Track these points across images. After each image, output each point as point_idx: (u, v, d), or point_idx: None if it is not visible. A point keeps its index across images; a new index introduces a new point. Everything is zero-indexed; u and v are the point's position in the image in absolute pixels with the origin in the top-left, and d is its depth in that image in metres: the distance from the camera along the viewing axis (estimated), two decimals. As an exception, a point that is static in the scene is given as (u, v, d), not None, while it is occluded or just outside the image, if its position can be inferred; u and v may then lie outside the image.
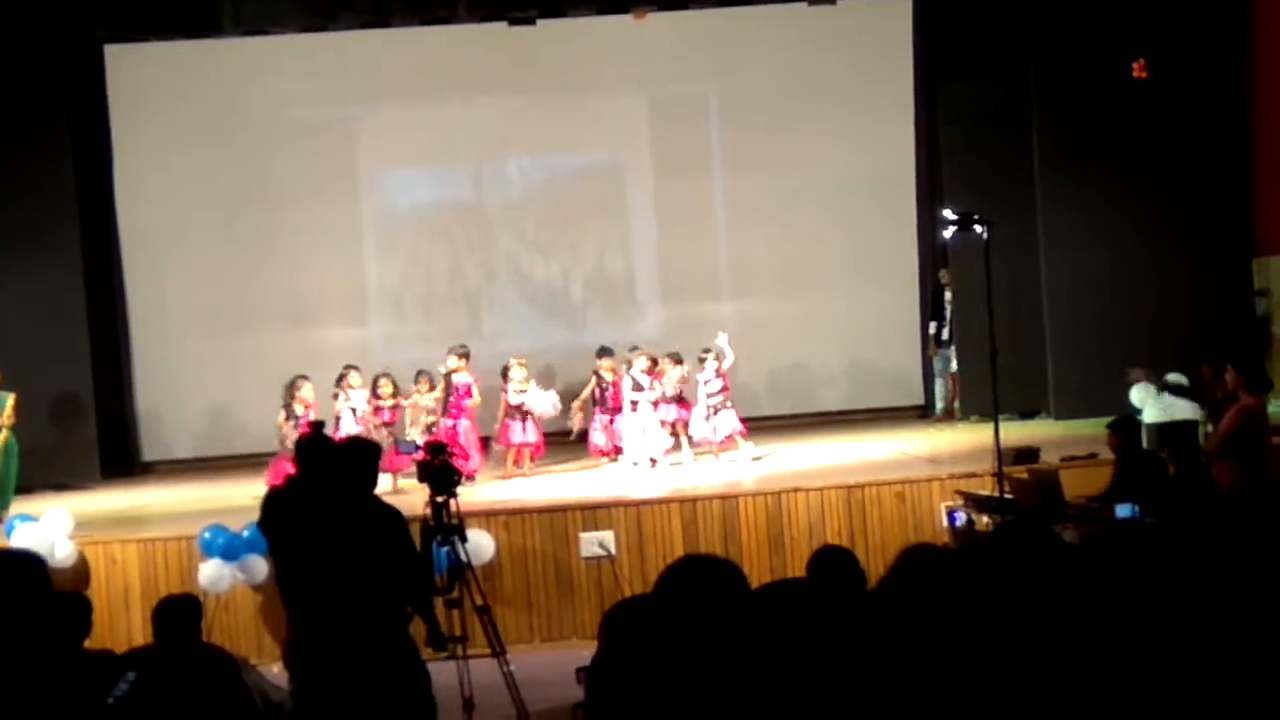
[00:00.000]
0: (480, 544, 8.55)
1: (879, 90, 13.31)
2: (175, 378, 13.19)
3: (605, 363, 11.37)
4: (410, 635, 5.26)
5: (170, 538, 8.97)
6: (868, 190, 13.38)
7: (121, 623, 8.53)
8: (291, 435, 9.93)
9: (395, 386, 10.91)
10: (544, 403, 10.98)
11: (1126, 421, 8.56)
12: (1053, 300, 12.16)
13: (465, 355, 10.95)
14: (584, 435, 11.45)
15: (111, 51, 12.98)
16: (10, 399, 10.53)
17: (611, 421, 11.21)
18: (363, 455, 5.30)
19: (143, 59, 13.00)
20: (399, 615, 5.17)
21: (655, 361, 10.99)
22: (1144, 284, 11.89)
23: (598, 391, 11.34)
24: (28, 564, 4.06)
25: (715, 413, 10.82)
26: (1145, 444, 8.61)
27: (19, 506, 10.02)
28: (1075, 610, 2.71)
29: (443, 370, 10.89)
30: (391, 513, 5.22)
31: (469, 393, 10.86)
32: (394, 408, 10.84)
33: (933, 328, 13.08)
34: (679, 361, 11.07)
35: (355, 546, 5.06)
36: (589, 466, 11.23)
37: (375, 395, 10.80)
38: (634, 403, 10.86)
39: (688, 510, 9.06)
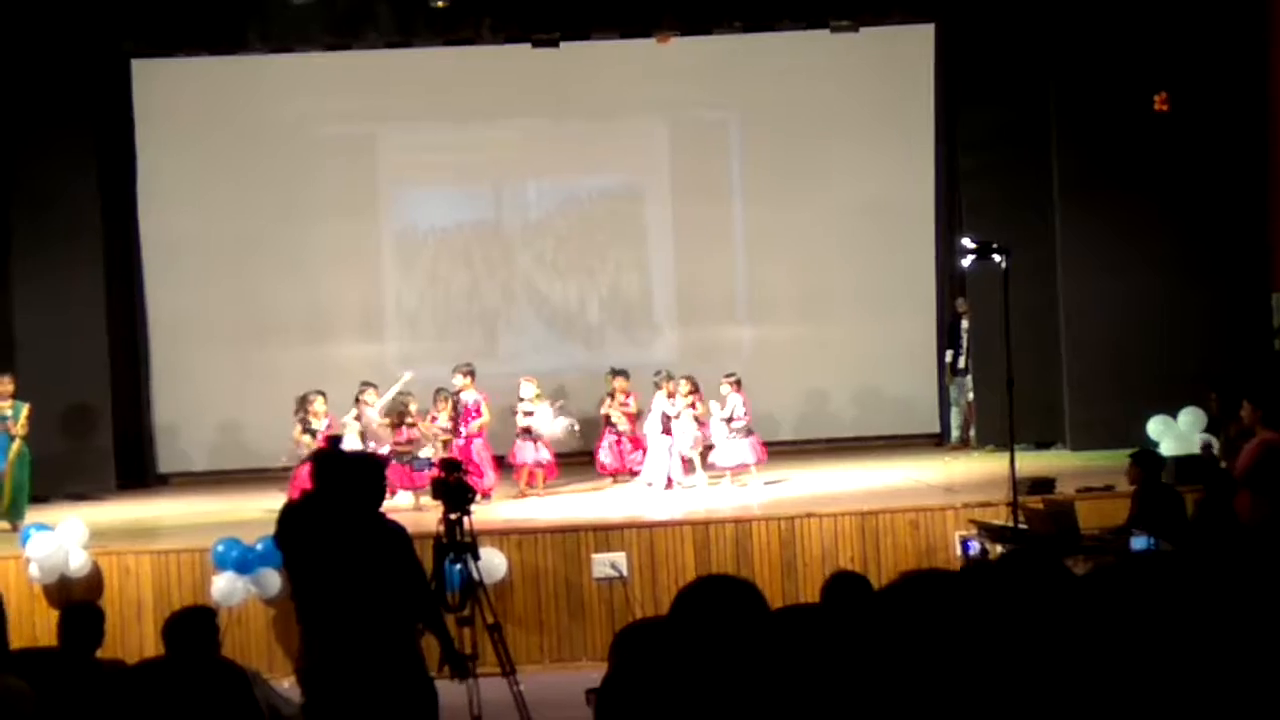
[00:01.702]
0: (493, 562, 8.55)
1: (899, 118, 13.33)
2: (192, 390, 13.25)
3: (619, 383, 11.39)
4: (420, 653, 5.26)
5: (184, 550, 9.00)
6: (886, 217, 13.39)
7: (134, 633, 8.56)
8: (306, 450, 9.98)
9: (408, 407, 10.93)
10: (553, 426, 10.99)
11: (1148, 454, 8.52)
12: (1070, 331, 12.13)
13: (471, 373, 10.99)
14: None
15: (139, 66, 13.09)
16: (25, 409, 10.60)
17: (619, 442, 11.25)
18: (368, 471, 5.30)
19: (169, 74, 13.11)
20: (408, 632, 5.17)
21: (696, 387, 11.01)
22: (1162, 316, 11.85)
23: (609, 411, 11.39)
24: None
25: (733, 437, 10.81)
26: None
27: (35, 516, 10.07)
28: (1078, 639, 2.70)
29: (451, 389, 10.94)
30: (396, 530, 5.22)
31: (477, 411, 10.88)
32: (411, 425, 10.86)
33: (949, 356, 13.05)
34: (695, 387, 11.10)
35: (363, 562, 5.07)
36: (601, 487, 11.23)
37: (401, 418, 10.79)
38: (662, 422, 10.88)
39: (700, 533, 9.04)
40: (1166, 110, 11.78)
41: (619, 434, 11.28)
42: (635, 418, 11.33)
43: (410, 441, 10.69)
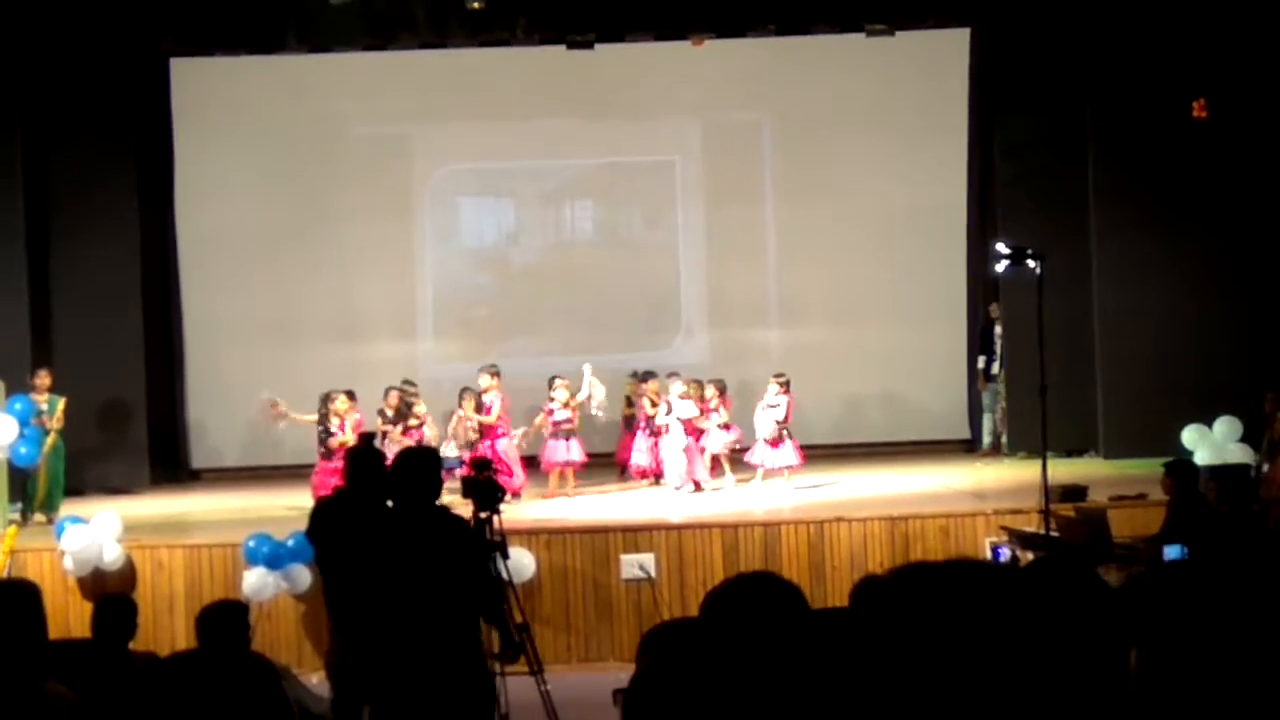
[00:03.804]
0: (521, 562, 8.57)
1: (933, 122, 13.28)
2: (225, 387, 13.34)
3: (650, 386, 11.40)
4: (481, 646, 5.32)
5: (216, 545, 9.07)
6: (919, 222, 13.34)
7: (166, 626, 8.63)
8: (335, 445, 10.13)
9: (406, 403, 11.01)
10: (598, 394, 11.04)
11: (1183, 464, 8.43)
12: (1105, 338, 12.04)
13: (496, 374, 11.03)
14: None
15: (177, 65, 13.21)
16: (61, 403, 10.72)
17: (656, 444, 11.24)
18: (424, 464, 5.35)
19: (208, 73, 13.22)
20: (469, 626, 5.21)
21: (702, 387, 11.01)
22: (1198, 324, 11.75)
23: (641, 414, 11.38)
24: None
25: (777, 442, 10.79)
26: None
27: (69, 509, 10.18)
28: (1110, 647, 2.68)
29: (476, 389, 11.00)
30: (457, 522, 5.27)
31: (489, 411, 10.86)
32: (419, 426, 10.92)
33: (982, 362, 12.98)
34: (723, 389, 11.10)
35: (419, 557, 5.11)
36: (630, 488, 11.24)
37: (405, 415, 10.89)
38: (666, 427, 10.88)
39: (729, 536, 9.04)
40: (1205, 117, 11.67)
41: (655, 436, 11.24)
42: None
43: (419, 441, 10.74)
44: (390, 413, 10.98)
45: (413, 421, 10.89)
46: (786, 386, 10.95)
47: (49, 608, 4.34)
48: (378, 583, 5.19)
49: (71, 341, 12.31)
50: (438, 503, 5.25)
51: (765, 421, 10.84)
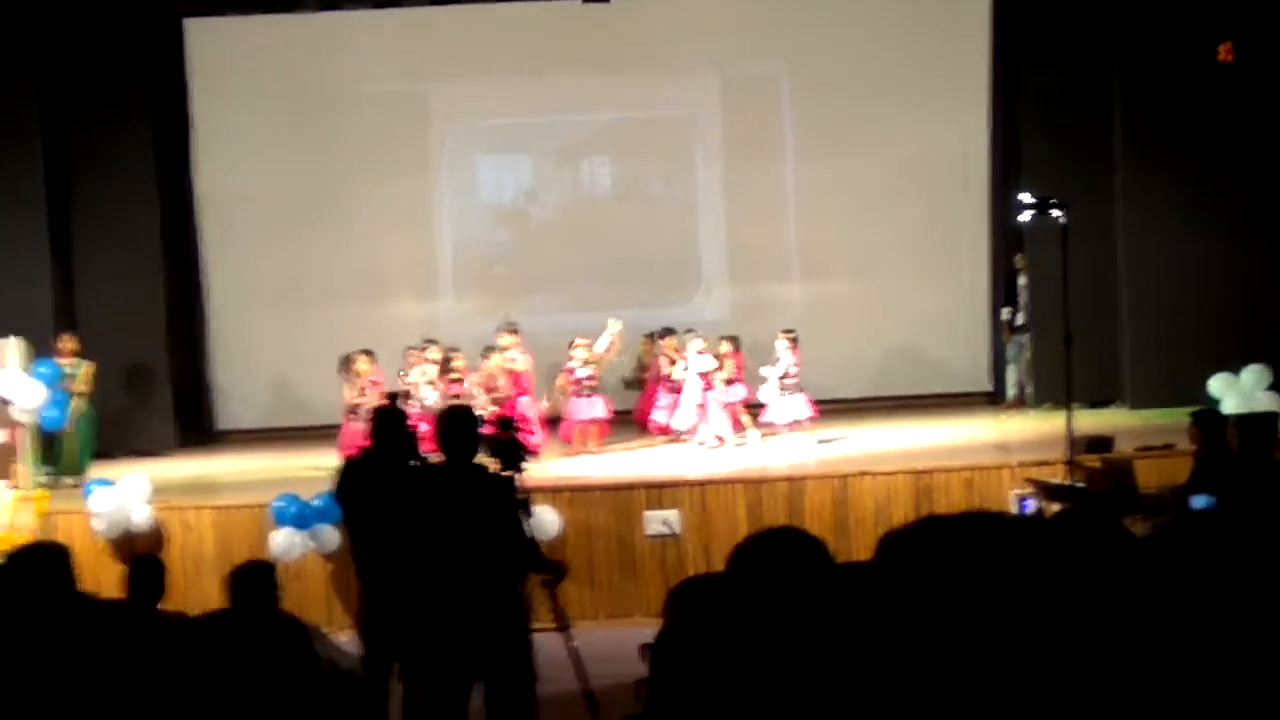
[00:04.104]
0: (546, 519, 8.61)
1: (954, 72, 13.13)
2: (249, 348, 13.41)
3: (668, 342, 11.40)
4: (523, 604, 5.40)
5: (243, 505, 9.15)
6: (940, 174, 13.22)
7: (195, 587, 8.71)
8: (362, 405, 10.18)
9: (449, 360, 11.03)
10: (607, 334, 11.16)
11: (1210, 414, 8.38)
12: (1131, 288, 11.94)
13: (515, 331, 11.04)
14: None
15: (191, 25, 13.17)
16: (88, 367, 10.79)
17: (677, 402, 11.25)
18: (465, 422, 5.41)
19: (222, 33, 13.18)
20: (510, 584, 5.28)
21: (738, 346, 11.02)
22: (1226, 273, 11.63)
23: (657, 370, 11.40)
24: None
25: (785, 394, 10.80)
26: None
27: (98, 472, 10.28)
28: (1137, 597, 2.67)
29: (496, 347, 11.02)
30: (498, 480, 5.33)
31: (513, 363, 10.91)
32: (460, 380, 10.96)
33: (1006, 313, 12.90)
34: (737, 346, 11.09)
35: (463, 515, 5.18)
36: (653, 444, 11.26)
37: (447, 370, 10.91)
38: (681, 383, 10.91)
39: (753, 491, 9.05)
40: (1231, 61, 11.50)
41: (676, 392, 11.26)
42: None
43: (457, 397, 10.78)
44: (407, 372, 10.98)
45: (453, 375, 10.90)
46: (795, 343, 10.92)
47: (80, 570, 4.39)
48: (418, 541, 5.26)
49: (95, 306, 12.38)
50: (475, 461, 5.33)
51: (773, 380, 10.84)
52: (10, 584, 4.07)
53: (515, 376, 10.93)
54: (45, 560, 4.15)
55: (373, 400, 10.04)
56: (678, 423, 10.95)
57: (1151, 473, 8.24)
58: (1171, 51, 11.66)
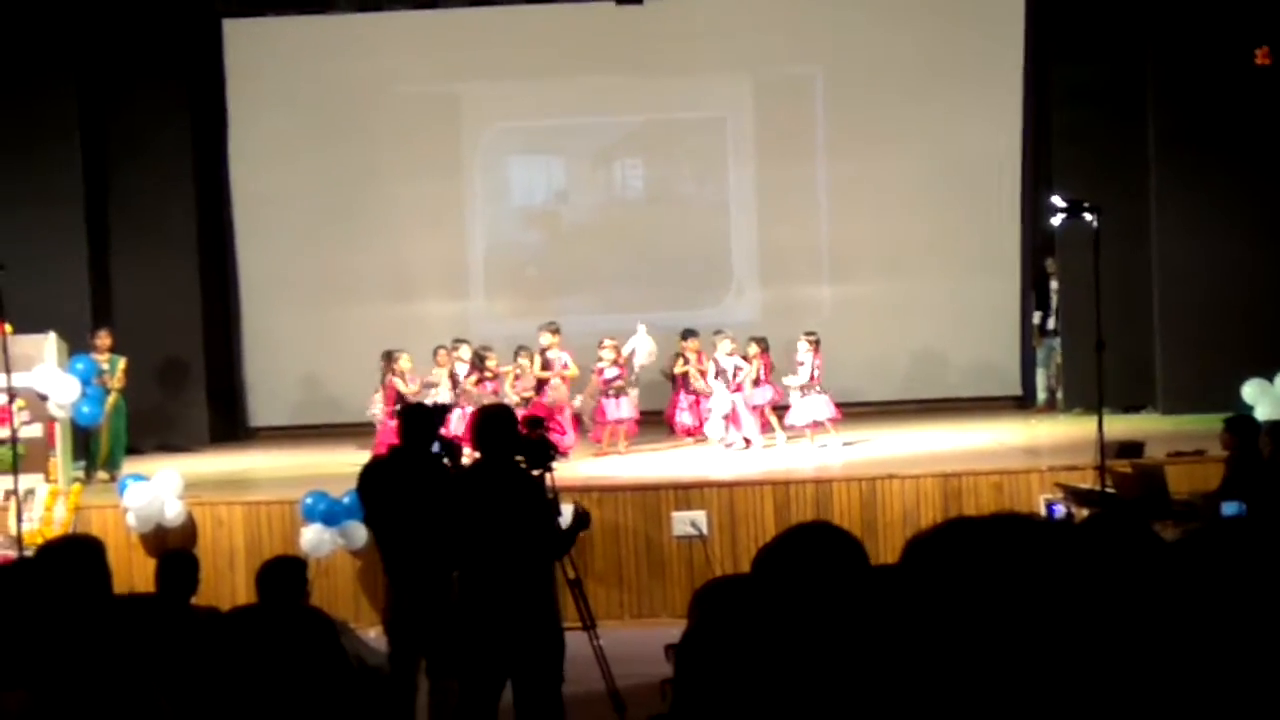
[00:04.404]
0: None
1: (987, 73, 13.08)
2: (281, 346, 13.51)
3: (690, 344, 11.41)
4: (554, 600, 5.45)
5: (274, 501, 9.22)
6: (972, 176, 13.17)
7: (226, 582, 8.79)
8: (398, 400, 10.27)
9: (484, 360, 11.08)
10: (643, 350, 11.10)
11: (1244, 420, 8.30)
12: (1164, 292, 11.85)
13: (557, 331, 11.09)
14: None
15: (230, 26, 13.30)
16: (122, 363, 10.90)
17: (697, 402, 11.28)
18: (499, 421, 5.46)
19: (259, 33, 13.29)
20: (542, 582, 5.33)
21: (766, 347, 11.05)
22: (1260, 277, 11.53)
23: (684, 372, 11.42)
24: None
25: (803, 395, 10.78)
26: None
27: (131, 467, 10.38)
28: (1167, 603, 2.66)
29: (540, 346, 11.07)
30: (532, 479, 5.39)
31: (565, 367, 11.00)
32: (494, 378, 11.01)
33: (1037, 317, 12.83)
34: (766, 347, 11.09)
35: (500, 512, 5.23)
36: (680, 445, 11.27)
37: (480, 368, 10.95)
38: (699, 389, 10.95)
39: (780, 493, 9.04)
40: (1268, 64, 11.39)
41: (696, 394, 11.30)
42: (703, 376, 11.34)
43: (495, 394, 10.83)
44: (437, 370, 11.04)
45: (487, 374, 10.95)
46: (817, 345, 10.90)
47: (113, 564, 4.44)
48: (452, 538, 5.30)
49: (130, 302, 12.51)
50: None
51: (790, 383, 10.82)
52: (44, 576, 4.13)
53: (554, 374, 10.99)
54: (80, 554, 4.20)
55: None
56: (711, 432, 10.91)
57: (1183, 478, 8.18)
58: (1206, 54, 11.56)
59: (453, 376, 10.98)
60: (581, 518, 5.86)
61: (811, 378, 10.78)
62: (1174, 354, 11.78)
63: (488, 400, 10.62)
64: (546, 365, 11.00)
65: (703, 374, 11.24)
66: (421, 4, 12.76)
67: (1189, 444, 9.34)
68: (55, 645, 3.80)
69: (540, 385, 10.95)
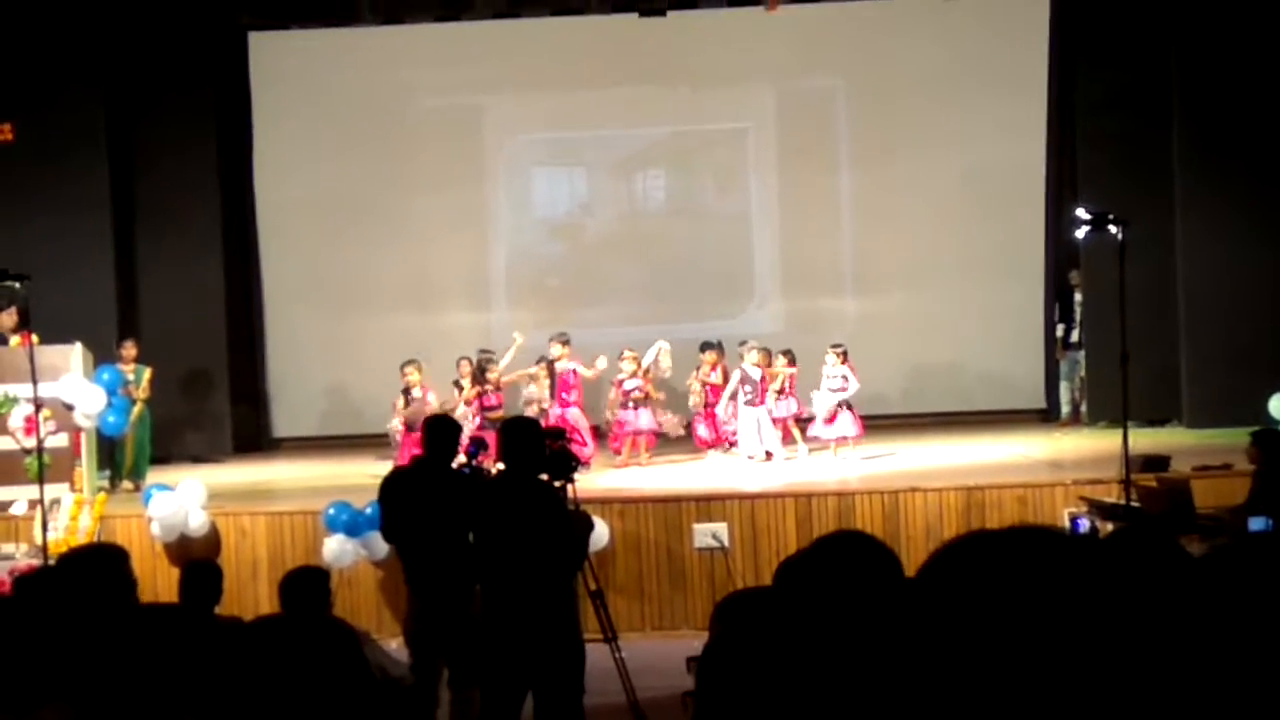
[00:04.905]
0: (596, 531, 8.62)
1: (1011, 85, 13.04)
2: (305, 356, 13.58)
3: (709, 356, 11.40)
4: (575, 612, 5.45)
5: (297, 512, 9.24)
6: (996, 188, 13.12)
7: (249, 592, 8.82)
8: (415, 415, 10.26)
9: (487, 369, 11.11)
10: (663, 361, 11.14)
11: (1270, 434, 8.23)
12: (1189, 304, 11.77)
13: (566, 342, 11.12)
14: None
15: (255, 38, 13.40)
16: (147, 373, 10.97)
17: (711, 415, 11.26)
18: (525, 433, 5.47)
19: (284, 46, 13.39)
20: (564, 594, 5.34)
21: (769, 355, 11.02)
22: (1286, 290, 11.44)
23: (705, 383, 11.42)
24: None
25: (837, 411, 10.74)
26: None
27: (155, 476, 10.43)
28: (1188, 620, 2.64)
29: (549, 358, 11.09)
30: (551, 492, 5.40)
31: (575, 379, 10.98)
32: (497, 390, 11.03)
33: (1061, 329, 12.77)
34: (792, 359, 11.08)
35: (523, 524, 5.24)
36: (699, 457, 11.26)
37: (482, 380, 10.99)
38: (735, 397, 10.90)
39: (802, 505, 9.01)
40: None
41: (708, 407, 11.29)
42: (721, 389, 11.32)
43: (498, 406, 10.85)
44: (465, 382, 11.08)
45: (489, 386, 10.97)
46: (845, 356, 10.87)
47: (137, 573, 4.46)
48: (475, 549, 5.32)
49: (155, 312, 12.59)
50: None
51: (828, 397, 10.76)
52: (68, 584, 4.15)
53: (565, 386, 10.98)
54: (103, 562, 4.22)
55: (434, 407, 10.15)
56: (745, 449, 10.85)
57: (1209, 493, 8.11)
58: (1232, 62, 11.50)
59: (457, 386, 11.02)
60: (584, 523, 5.86)
61: (839, 389, 10.74)
62: (1200, 367, 11.70)
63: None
64: (555, 376, 11.02)
65: (717, 388, 11.22)
66: (445, 16, 12.83)
67: (1215, 458, 9.26)
68: (87, 655, 3.82)
69: (554, 395, 10.97)
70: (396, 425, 10.89)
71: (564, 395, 11.02)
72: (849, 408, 10.80)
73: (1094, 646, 2.56)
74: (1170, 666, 2.57)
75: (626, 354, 11.22)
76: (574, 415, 10.92)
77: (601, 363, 11.18)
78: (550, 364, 11.08)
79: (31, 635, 3.91)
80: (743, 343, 11.27)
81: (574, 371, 11.07)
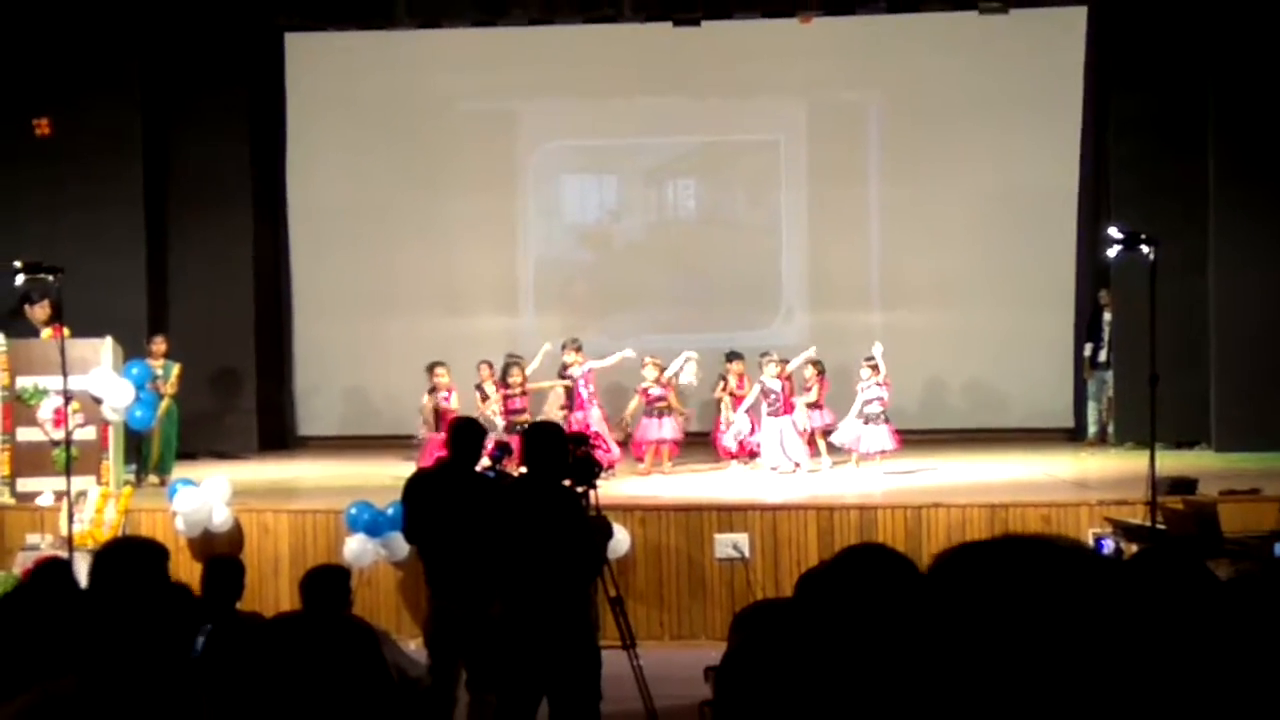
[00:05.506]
0: (616, 537, 8.62)
1: (1044, 103, 12.98)
2: (332, 356, 13.64)
3: (734, 366, 11.39)
4: (594, 619, 5.45)
5: (319, 510, 9.28)
6: (1027, 205, 13.06)
7: (270, 588, 8.85)
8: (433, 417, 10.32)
9: (524, 375, 11.13)
10: (687, 374, 11.09)
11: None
12: (1220, 326, 11.67)
13: (579, 348, 11.13)
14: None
15: (291, 39, 13.49)
16: (176, 369, 11.05)
17: (730, 425, 11.25)
18: (548, 438, 5.49)
19: (320, 47, 13.48)
20: (581, 599, 5.35)
21: (822, 370, 11.04)
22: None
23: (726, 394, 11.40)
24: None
25: (866, 423, 10.71)
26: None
27: (181, 472, 10.50)
28: (1213, 644, 2.61)
29: (566, 371, 11.11)
30: (573, 497, 5.41)
31: (587, 383, 10.97)
32: (522, 394, 11.05)
33: (1089, 349, 12.68)
34: (822, 371, 11.05)
35: (544, 528, 5.25)
36: (722, 467, 11.24)
37: (505, 384, 11.01)
38: (755, 408, 10.91)
39: (824, 518, 8.98)
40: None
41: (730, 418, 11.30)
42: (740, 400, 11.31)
43: (523, 410, 10.87)
44: (487, 385, 11.10)
45: (513, 390, 10.99)
46: (876, 369, 10.82)
47: (161, 566, 4.49)
48: (494, 552, 5.33)
49: (186, 308, 12.68)
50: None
51: (868, 408, 10.72)
52: (107, 574, 4.19)
53: (577, 391, 11.00)
54: (142, 556, 4.26)
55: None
56: (770, 462, 10.83)
57: (1236, 517, 8.02)
58: (1267, 85, 11.41)
59: (480, 390, 11.05)
60: (602, 530, 5.87)
61: (871, 402, 10.71)
62: (1229, 389, 11.59)
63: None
64: (573, 390, 11.04)
65: (738, 399, 11.21)
66: (481, 21, 12.88)
67: (1243, 482, 9.17)
68: (105, 636, 3.84)
69: (572, 401, 11.00)
70: (423, 432, 10.93)
71: (581, 395, 11.01)
72: (886, 421, 10.75)
73: (1116, 666, 2.54)
74: (1193, 687, 2.54)
75: (649, 360, 11.21)
76: (595, 416, 10.92)
77: (628, 350, 11.21)
78: (563, 370, 11.13)
79: (46, 619, 3.94)
80: (764, 354, 11.24)
81: (590, 371, 11.07)
